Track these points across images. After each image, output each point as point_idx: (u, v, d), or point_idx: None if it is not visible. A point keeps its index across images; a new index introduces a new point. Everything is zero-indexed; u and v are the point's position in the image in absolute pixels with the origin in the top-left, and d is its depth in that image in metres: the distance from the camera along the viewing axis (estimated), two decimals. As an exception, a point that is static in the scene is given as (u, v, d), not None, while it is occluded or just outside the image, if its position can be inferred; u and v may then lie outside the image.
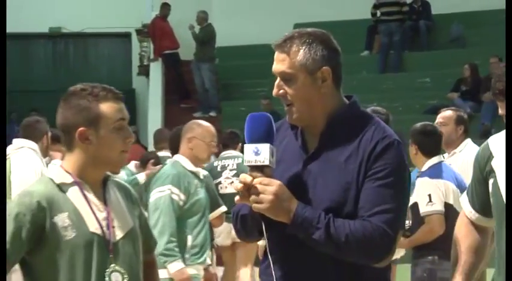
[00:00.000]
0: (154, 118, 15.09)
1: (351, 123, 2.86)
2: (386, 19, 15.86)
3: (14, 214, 2.79)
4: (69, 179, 2.89)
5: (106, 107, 2.89)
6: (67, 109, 2.91)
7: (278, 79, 2.85)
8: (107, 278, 2.85)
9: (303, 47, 2.81)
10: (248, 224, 2.91)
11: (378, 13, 16.08)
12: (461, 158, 6.11)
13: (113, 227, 2.91)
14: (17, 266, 2.87)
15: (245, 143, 2.82)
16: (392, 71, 15.88)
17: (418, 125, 5.89)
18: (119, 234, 2.92)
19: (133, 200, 3.10)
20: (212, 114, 15.46)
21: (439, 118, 6.40)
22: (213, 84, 15.76)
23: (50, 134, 6.52)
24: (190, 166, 5.59)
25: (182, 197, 5.48)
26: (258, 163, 2.74)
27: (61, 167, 2.94)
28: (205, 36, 15.60)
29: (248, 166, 2.76)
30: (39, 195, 2.82)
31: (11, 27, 17.84)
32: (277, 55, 2.84)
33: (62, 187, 2.88)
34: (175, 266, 5.36)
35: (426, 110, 13.63)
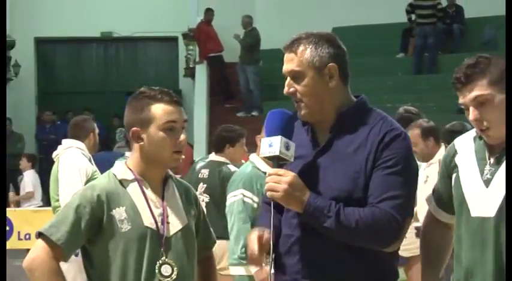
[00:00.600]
0: (199, 118, 15.34)
1: (360, 118, 2.92)
2: (421, 22, 15.87)
3: (75, 205, 2.92)
4: (130, 175, 3.01)
5: (157, 109, 2.98)
6: (127, 111, 3.04)
7: (288, 78, 2.93)
8: (157, 270, 2.95)
9: (310, 46, 2.90)
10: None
11: (413, 16, 16.11)
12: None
13: (168, 223, 3.00)
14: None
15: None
16: (426, 72, 15.90)
17: (448, 125, 5.99)
18: (172, 230, 3.01)
19: (192, 199, 3.19)
20: (254, 113, 15.64)
21: None
22: (257, 86, 15.93)
23: (97, 131, 6.61)
24: (264, 166, 5.41)
25: (255, 199, 5.42)
26: (287, 157, 2.85)
27: (125, 164, 3.06)
28: (251, 40, 15.85)
29: (277, 155, 2.85)
30: (100, 189, 2.95)
31: (66, 32, 18.67)
32: (286, 56, 2.93)
33: (123, 183, 2.99)
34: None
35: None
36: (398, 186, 2.82)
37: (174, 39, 18.92)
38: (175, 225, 3.03)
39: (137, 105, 3.02)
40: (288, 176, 2.83)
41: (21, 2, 18.48)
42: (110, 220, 2.93)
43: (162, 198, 3.05)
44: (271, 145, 2.86)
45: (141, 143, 3.00)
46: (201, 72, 16.80)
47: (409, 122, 6.32)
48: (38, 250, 2.90)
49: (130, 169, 3.03)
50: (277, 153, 2.84)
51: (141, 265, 2.94)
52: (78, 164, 6.22)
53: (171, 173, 3.14)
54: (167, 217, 3.02)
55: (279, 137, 2.85)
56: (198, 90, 16.38)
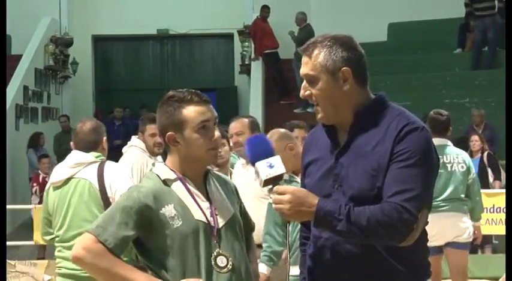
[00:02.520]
0: (255, 114, 14.57)
1: (377, 115, 2.93)
2: (480, 15, 15.58)
3: (122, 206, 2.98)
4: (172, 175, 3.07)
5: (189, 111, 3.04)
6: (160, 116, 3.11)
7: (304, 81, 2.97)
8: (213, 262, 3.00)
9: (324, 50, 2.91)
10: None
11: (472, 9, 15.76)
12: None
13: (216, 215, 3.07)
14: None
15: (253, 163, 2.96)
16: (485, 68, 15.68)
17: None
18: (221, 221, 3.07)
19: (233, 190, 3.28)
20: (309, 110, 15.24)
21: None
22: None
23: None
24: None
25: None
26: (277, 173, 2.89)
27: (166, 165, 3.13)
28: (304, 36, 15.33)
29: (265, 180, 2.89)
30: (146, 190, 3.00)
31: (123, 29, 18.88)
32: (303, 59, 2.97)
33: (166, 182, 3.05)
34: None
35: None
36: (412, 179, 2.80)
37: (230, 36, 18.95)
38: (223, 216, 3.09)
39: (168, 110, 3.07)
40: (287, 194, 2.84)
41: (79, 1, 18.66)
42: (161, 218, 2.97)
43: (206, 192, 3.10)
44: (271, 165, 2.91)
45: (178, 146, 3.07)
46: (257, 69, 16.81)
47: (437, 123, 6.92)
48: (86, 240, 2.96)
49: (171, 169, 3.09)
50: (283, 171, 2.90)
51: (198, 258, 2.98)
52: (131, 164, 6.34)
53: (209, 167, 3.22)
54: (215, 209, 3.07)
55: (257, 164, 2.91)
56: (254, 87, 16.35)
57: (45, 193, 5.03)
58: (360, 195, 2.85)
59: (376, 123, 2.91)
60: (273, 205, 2.88)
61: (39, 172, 12.74)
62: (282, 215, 2.87)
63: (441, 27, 16.41)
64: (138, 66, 19.81)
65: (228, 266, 3.02)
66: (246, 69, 17.67)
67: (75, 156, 4.90)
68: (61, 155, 15.19)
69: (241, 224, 3.19)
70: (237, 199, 3.27)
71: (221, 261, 3.01)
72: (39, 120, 17.02)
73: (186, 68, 19.63)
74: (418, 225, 2.83)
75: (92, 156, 4.87)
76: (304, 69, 2.96)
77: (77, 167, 4.84)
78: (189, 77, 18.74)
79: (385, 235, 2.80)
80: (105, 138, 5.03)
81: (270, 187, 2.91)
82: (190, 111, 3.04)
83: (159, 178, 3.06)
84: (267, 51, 16.64)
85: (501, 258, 6.80)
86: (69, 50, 17.82)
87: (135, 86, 19.05)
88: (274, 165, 2.90)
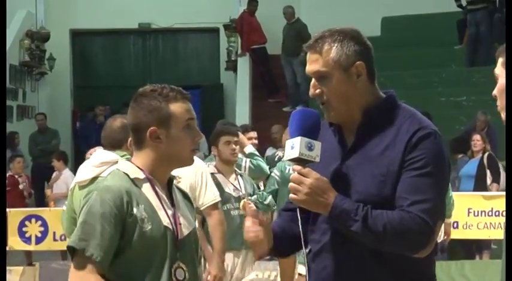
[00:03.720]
0: (242, 113, 15.23)
1: (387, 116, 2.89)
2: (472, 8, 15.42)
3: (99, 213, 2.84)
4: (141, 175, 2.96)
5: (176, 107, 2.97)
6: (138, 109, 2.99)
7: (313, 80, 2.89)
8: (172, 274, 2.91)
9: (335, 44, 2.85)
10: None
11: (464, 2, 15.65)
12: None
13: (180, 224, 2.99)
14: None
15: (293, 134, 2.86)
16: (482, 64, 15.33)
17: None
18: (184, 231, 3.00)
19: (192, 205, 3.21)
20: (299, 108, 15.36)
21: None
22: (304, 78, 15.33)
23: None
24: None
25: None
26: (310, 158, 2.82)
27: (133, 163, 3.01)
28: (296, 32, 15.49)
29: (297, 157, 2.81)
30: (118, 189, 2.89)
31: (102, 24, 18.85)
32: (310, 56, 2.90)
33: (135, 182, 2.95)
34: None
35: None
36: (427, 188, 2.78)
37: (216, 31, 18.79)
38: (186, 227, 3.04)
39: (152, 103, 2.98)
40: (310, 178, 2.80)
41: (57, -7, 18.60)
42: (133, 219, 2.88)
43: (171, 199, 3.04)
44: (292, 146, 2.85)
45: (159, 143, 2.96)
46: (244, 65, 16.70)
47: None
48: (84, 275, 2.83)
49: (140, 168, 2.99)
50: (317, 160, 2.84)
51: (162, 268, 2.91)
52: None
53: (173, 174, 3.14)
54: (178, 218, 3.01)
55: (299, 138, 2.83)
56: (240, 84, 16.29)
57: (70, 192, 5.02)
58: (366, 199, 2.81)
59: (386, 125, 2.88)
60: (290, 184, 2.81)
61: (11, 172, 12.46)
62: (294, 197, 2.81)
63: (436, 22, 16.27)
64: (119, 63, 19.62)
65: (186, 280, 2.95)
66: (232, 66, 17.52)
67: (101, 155, 4.89)
68: (37, 156, 14.99)
69: (198, 241, 3.14)
70: (194, 215, 3.22)
71: (180, 274, 2.95)
72: (14, 119, 16.86)
73: (169, 64, 19.44)
74: (434, 237, 2.82)
75: (117, 155, 4.79)
76: (314, 67, 2.88)
77: (103, 166, 4.78)
78: (173, 74, 18.55)
79: (400, 245, 2.79)
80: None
81: (295, 163, 2.84)
82: (177, 107, 2.98)
83: (128, 176, 2.96)
84: (254, 47, 16.47)
85: (500, 264, 6.41)
86: (46, 45, 17.65)
87: (115, 83, 18.83)
88: (314, 149, 2.83)
